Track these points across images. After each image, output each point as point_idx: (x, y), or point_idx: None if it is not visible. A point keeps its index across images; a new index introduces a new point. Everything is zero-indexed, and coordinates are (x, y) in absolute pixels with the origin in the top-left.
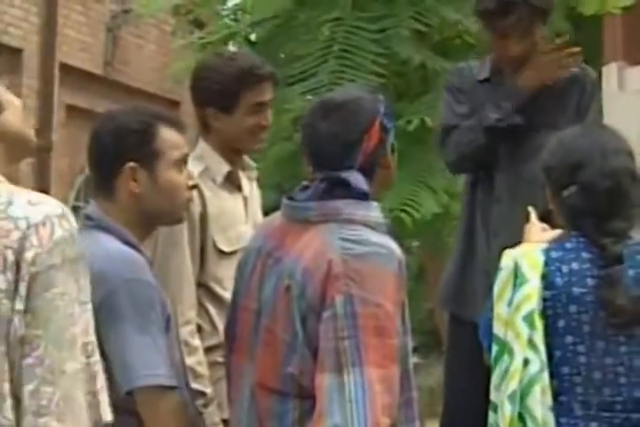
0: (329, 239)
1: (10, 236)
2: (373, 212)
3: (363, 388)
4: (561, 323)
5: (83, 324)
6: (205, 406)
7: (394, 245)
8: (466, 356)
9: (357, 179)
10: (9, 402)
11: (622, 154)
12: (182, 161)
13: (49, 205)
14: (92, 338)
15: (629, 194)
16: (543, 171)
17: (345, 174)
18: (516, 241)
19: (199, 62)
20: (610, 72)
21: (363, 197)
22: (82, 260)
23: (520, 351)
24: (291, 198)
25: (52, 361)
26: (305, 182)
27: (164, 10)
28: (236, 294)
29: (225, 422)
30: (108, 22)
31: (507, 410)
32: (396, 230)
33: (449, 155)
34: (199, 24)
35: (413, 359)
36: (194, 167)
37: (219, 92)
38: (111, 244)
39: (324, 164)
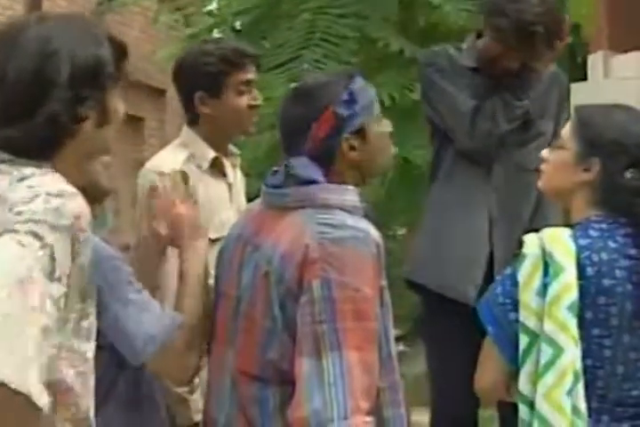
0: (305, 224)
1: None
2: (349, 195)
3: (342, 372)
4: (588, 314)
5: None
6: (190, 393)
7: (371, 229)
8: (455, 335)
9: (304, 165)
10: None
11: None
12: None
13: (46, 187)
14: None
15: None
16: (588, 141)
17: (293, 161)
18: (516, 229)
19: (183, 52)
20: (596, 60)
21: (310, 183)
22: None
23: (571, 345)
24: (267, 185)
25: None
26: (275, 167)
27: None
28: (216, 280)
29: None
30: (93, 10)
31: (567, 407)
32: None
33: (477, 141)
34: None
35: (399, 347)
36: (179, 154)
37: (205, 75)
38: None
39: (285, 149)
